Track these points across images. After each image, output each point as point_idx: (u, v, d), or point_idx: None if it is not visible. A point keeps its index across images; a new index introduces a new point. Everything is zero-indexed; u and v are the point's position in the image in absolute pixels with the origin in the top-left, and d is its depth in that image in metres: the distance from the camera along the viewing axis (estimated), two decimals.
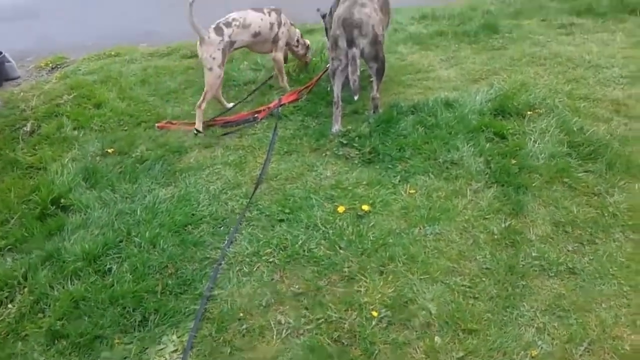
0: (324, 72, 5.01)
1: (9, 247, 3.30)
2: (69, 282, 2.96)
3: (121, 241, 3.23)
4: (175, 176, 3.89)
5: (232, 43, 4.50)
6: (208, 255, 3.11)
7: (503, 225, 3.19)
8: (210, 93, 4.52)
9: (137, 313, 2.73)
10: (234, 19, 4.50)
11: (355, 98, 4.12)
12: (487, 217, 3.27)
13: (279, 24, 4.80)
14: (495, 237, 3.12)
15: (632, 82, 4.70)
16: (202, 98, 4.48)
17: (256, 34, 4.67)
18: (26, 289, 2.96)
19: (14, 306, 2.89)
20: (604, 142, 3.78)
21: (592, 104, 4.36)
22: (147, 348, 2.57)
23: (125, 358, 2.53)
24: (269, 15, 4.74)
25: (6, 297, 2.94)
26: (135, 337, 2.63)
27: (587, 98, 4.46)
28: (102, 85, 5.52)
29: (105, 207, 3.56)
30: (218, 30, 4.41)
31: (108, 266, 3.06)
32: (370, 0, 4.17)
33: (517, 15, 6.74)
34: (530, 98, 4.39)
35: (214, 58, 4.39)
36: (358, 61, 4.02)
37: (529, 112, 4.22)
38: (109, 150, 4.24)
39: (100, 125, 4.70)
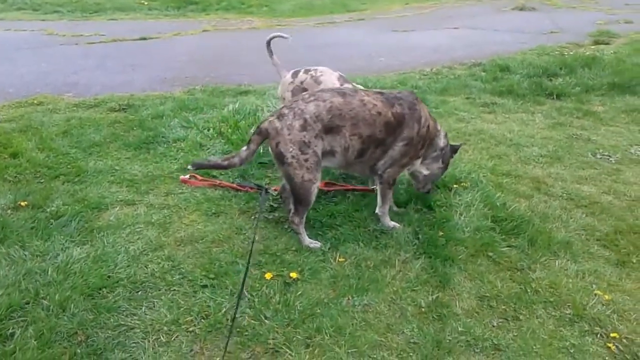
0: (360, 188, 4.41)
1: None
2: None
3: (27, 303, 2.95)
4: (93, 234, 3.66)
5: (303, 89, 4.51)
6: (123, 322, 2.89)
7: (430, 298, 3.18)
8: None
9: None
10: (314, 70, 4.63)
11: (189, 167, 3.96)
12: (415, 288, 3.26)
13: None
14: (423, 309, 3.09)
15: (551, 161, 4.97)
16: None
17: None
18: None
19: None
20: (526, 219, 3.92)
21: (514, 180, 4.56)
22: None
23: None
24: (339, 83, 4.56)
25: None
26: None
27: (509, 174, 4.66)
28: (21, 134, 5.24)
29: (13, 265, 3.27)
30: (294, 74, 4.65)
31: (11, 330, 2.76)
32: (295, 116, 3.45)
33: (443, 92, 7.07)
34: (456, 172, 4.52)
35: (284, 98, 4.61)
36: (234, 160, 3.56)
37: (455, 185, 4.34)
38: (22, 204, 3.96)
39: (15, 176, 4.41)
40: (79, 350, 2.68)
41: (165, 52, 9.47)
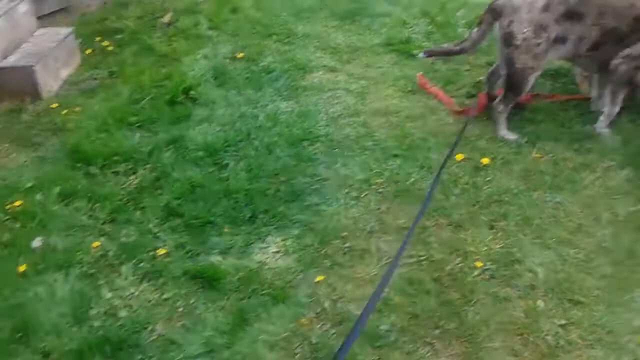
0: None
1: (139, 124, 3.51)
2: (189, 167, 3.10)
3: (241, 141, 3.33)
4: (297, 92, 3.93)
5: None
6: (319, 173, 3.14)
7: (630, 209, 2.97)
8: None
9: (248, 209, 2.83)
10: None
11: (420, 55, 3.88)
12: (614, 197, 3.05)
13: None
14: (620, 219, 2.91)
15: None
16: None
17: None
18: (149, 166, 3.16)
19: (135, 178, 3.08)
20: None
21: None
22: (252, 243, 2.67)
23: (231, 247, 2.64)
24: None
25: (130, 169, 3.15)
26: (243, 230, 2.73)
27: None
28: None
29: (230, 106, 3.67)
30: None
31: (226, 161, 3.18)
32: None
33: None
34: None
35: None
36: (466, 43, 3.54)
37: None
38: (239, 55, 4.33)
39: (233, 30, 4.79)
40: (282, 188, 3.00)
41: None
